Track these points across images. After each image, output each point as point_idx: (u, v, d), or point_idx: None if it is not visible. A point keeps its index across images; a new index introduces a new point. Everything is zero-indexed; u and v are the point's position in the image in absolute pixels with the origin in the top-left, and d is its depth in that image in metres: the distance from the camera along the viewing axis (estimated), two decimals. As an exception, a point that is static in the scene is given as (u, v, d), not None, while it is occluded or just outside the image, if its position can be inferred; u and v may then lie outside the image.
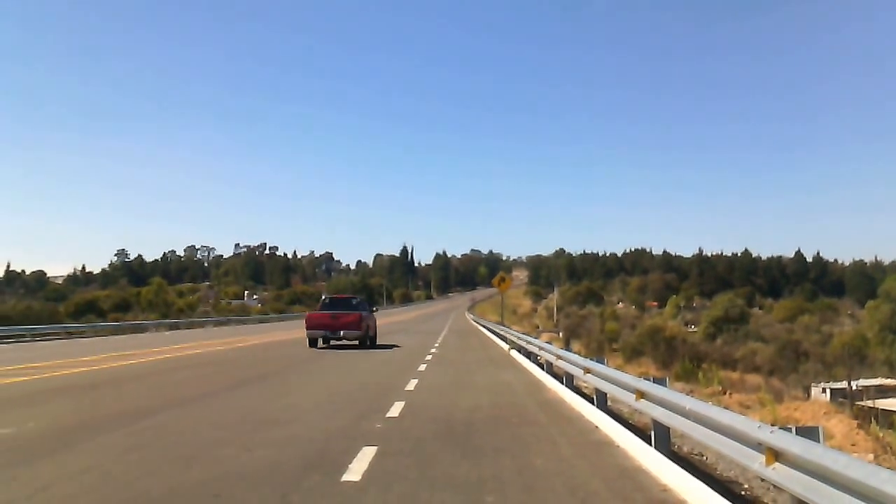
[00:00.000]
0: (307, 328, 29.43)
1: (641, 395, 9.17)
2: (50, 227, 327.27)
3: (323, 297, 31.06)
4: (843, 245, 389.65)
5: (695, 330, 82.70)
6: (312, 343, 28.77)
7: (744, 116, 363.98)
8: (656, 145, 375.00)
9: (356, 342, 29.04)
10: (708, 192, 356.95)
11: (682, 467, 7.55)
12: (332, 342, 29.21)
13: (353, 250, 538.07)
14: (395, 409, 12.33)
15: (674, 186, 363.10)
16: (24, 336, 43.33)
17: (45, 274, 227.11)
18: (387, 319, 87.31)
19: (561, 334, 76.04)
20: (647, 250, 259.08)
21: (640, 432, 9.75)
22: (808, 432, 5.38)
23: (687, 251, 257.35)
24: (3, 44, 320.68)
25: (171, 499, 6.62)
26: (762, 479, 6.86)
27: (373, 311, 31.19)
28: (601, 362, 12.77)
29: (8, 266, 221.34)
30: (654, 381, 9.14)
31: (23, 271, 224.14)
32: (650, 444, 8.57)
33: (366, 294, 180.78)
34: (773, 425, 5.81)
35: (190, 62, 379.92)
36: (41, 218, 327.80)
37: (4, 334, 42.28)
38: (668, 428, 8.35)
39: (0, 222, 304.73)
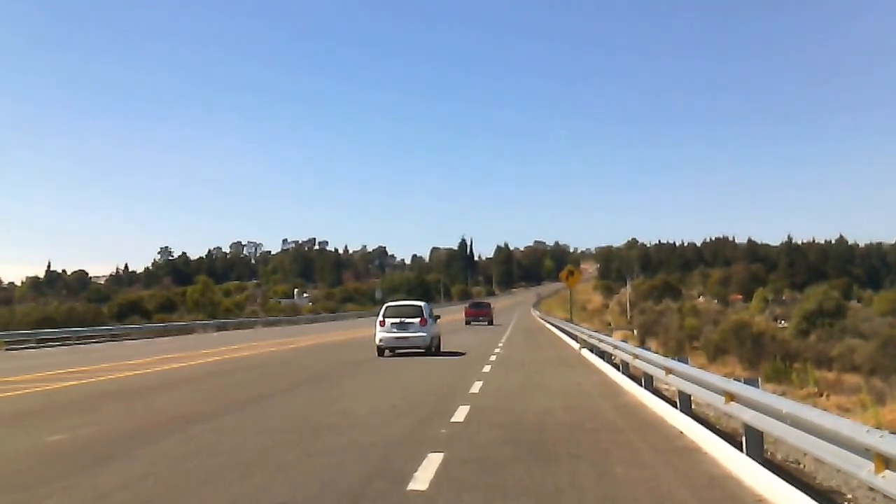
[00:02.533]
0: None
1: (731, 397, 9.07)
2: (91, 225, 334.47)
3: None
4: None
5: (785, 325, 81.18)
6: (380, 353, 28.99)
7: (839, 93, 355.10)
8: (737, 120, 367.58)
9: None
10: (797, 172, 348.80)
11: (778, 475, 7.46)
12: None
13: (408, 244, 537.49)
14: (460, 414, 12.39)
15: (759, 167, 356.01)
16: (68, 338, 44.50)
17: (87, 274, 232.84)
18: (444, 318, 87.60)
19: (635, 332, 75.38)
20: (730, 239, 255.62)
21: (730, 438, 9.65)
22: (921, 437, 5.28)
23: (774, 239, 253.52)
24: (42, 30, 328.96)
25: (233, 508, 6.77)
26: (870, 489, 6.75)
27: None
28: (684, 362, 12.65)
29: (49, 266, 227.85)
30: (744, 382, 9.04)
31: (64, 271, 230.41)
32: (741, 451, 8.48)
33: (422, 291, 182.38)
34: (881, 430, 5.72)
35: (235, 47, 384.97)
36: (81, 215, 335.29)
37: (49, 337, 43.54)
38: (762, 433, 8.25)
39: (40, 220, 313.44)
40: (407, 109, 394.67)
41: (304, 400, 15.11)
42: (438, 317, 32.42)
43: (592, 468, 8.27)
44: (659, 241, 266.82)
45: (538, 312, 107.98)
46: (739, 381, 9.37)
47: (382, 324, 29.22)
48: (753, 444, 8.43)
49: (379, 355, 28.75)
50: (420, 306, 30.83)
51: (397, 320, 29.32)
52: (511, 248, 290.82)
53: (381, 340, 29.18)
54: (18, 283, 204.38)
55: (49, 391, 16.67)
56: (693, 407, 12.28)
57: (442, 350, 29.66)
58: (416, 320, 29.33)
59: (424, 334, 29.09)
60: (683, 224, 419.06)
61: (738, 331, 55.30)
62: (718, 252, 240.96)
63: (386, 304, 31.42)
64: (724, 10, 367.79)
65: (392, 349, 29.48)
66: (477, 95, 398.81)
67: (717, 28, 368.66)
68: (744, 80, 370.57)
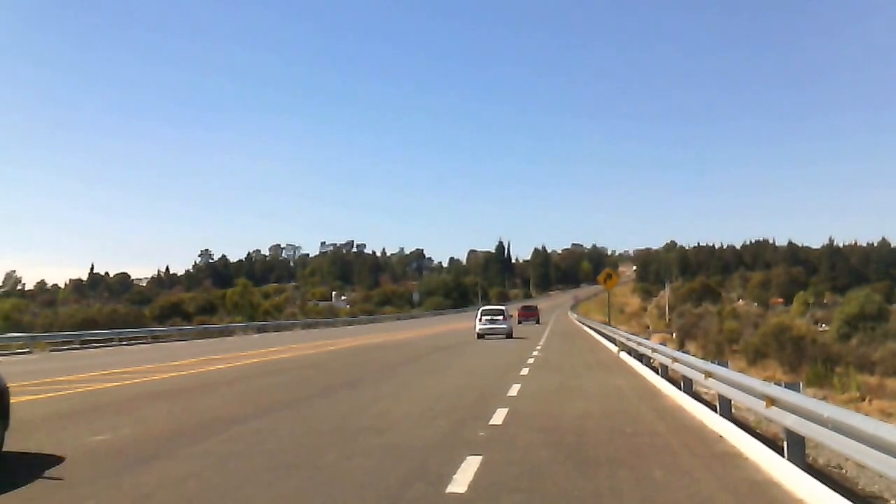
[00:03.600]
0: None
1: (772, 401, 8.97)
2: (133, 228, 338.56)
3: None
4: None
5: (826, 329, 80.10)
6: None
7: (884, 86, 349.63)
8: (777, 120, 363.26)
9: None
10: (839, 174, 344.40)
11: (820, 481, 7.37)
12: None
13: (446, 247, 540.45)
14: (499, 417, 12.38)
15: (799, 169, 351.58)
16: (111, 340, 45.13)
17: (129, 276, 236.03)
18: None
19: (674, 335, 74.71)
20: (770, 242, 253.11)
21: (771, 443, 9.56)
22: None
23: (816, 242, 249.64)
24: (84, 30, 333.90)
25: (273, 509, 6.82)
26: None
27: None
28: (724, 365, 12.54)
29: (92, 268, 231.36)
30: (785, 387, 8.94)
31: (106, 273, 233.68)
32: (782, 456, 8.39)
33: (459, 294, 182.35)
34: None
35: (275, 47, 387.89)
36: (124, 218, 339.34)
37: (92, 338, 44.19)
38: (803, 438, 8.16)
39: (83, 223, 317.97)
40: (445, 112, 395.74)
41: (343, 402, 15.19)
42: (512, 315, 51.36)
43: (631, 473, 8.23)
44: (698, 244, 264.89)
45: (575, 315, 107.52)
46: (780, 385, 9.27)
47: (480, 319, 46.58)
48: (795, 449, 8.33)
49: (478, 338, 43.86)
50: (502, 309, 49.73)
51: (489, 317, 46.84)
52: (548, 250, 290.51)
53: (479, 329, 45.71)
54: (62, 286, 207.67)
55: (93, 391, 16.91)
56: (733, 411, 12.17)
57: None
58: (500, 317, 46.85)
59: (504, 326, 46.06)
60: (723, 226, 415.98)
61: (778, 334, 54.58)
62: (758, 255, 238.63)
63: (482, 308, 51.78)
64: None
65: (486, 334, 45.23)
66: (514, 98, 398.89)
67: (753, 21, 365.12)
68: (786, 75, 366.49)
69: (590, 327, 59.74)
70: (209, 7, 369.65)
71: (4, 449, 9.23)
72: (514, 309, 73.64)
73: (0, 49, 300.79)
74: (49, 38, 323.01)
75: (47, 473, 8.18)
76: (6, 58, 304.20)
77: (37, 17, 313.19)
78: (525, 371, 21.86)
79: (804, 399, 8.20)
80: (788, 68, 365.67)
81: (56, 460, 8.92)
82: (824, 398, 18.79)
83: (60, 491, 7.42)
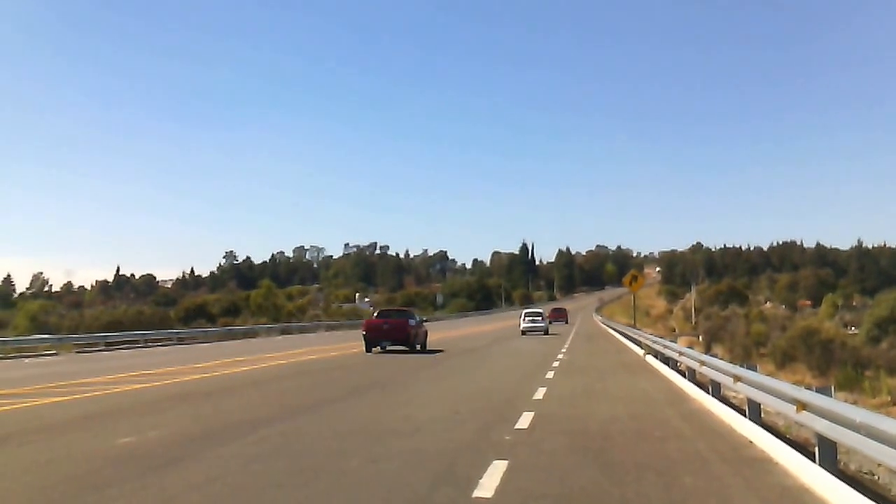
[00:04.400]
0: None
1: (803, 406, 8.87)
2: (158, 230, 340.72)
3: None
4: None
5: (855, 332, 79.34)
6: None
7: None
8: (802, 120, 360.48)
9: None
10: (867, 174, 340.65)
11: (852, 487, 7.29)
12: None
13: (469, 248, 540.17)
14: (524, 420, 12.35)
15: (826, 169, 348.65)
16: (137, 341, 45.42)
17: (155, 277, 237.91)
18: (504, 323, 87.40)
19: (701, 338, 74.34)
20: (798, 243, 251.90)
21: (801, 448, 9.45)
22: None
23: (844, 243, 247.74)
24: (114, 30, 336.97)
25: (299, 512, 6.82)
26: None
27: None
28: (753, 369, 12.44)
29: (118, 270, 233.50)
30: (817, 391, 8.85)
31: (132, 275, 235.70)
32: (814, 461, 8.30)
33: (482, 295, 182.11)
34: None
35: (297, 47, 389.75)
36: (150, 220, 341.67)
37: (118, 340, 44.52)
38: (835, 443, 8.07)
39: (109, 225, 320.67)
40: (468, 113, 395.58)
41: (368, 404, 15.21)
42: (547, 317, 67.82)
43: (660, 478, 8.17)
44: (724, 246, 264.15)
45: (600, 317, 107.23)
46: (811, 389, 9.17)
47: (524, 320, 60.05)
48: (826, 454, 8.25)
49: (522, 335, 55.15)
50: (541, 312, 65.62)
51: (531, 318, 60.09)
52: (572, 252, 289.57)
53: (523, 327, 58.55)
54: (88, 287, 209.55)
55: (119, 393, 17.01)
56: (762, 415, 12.06)
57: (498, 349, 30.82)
58: (539, 319, 60.55)
59: (542, 325, 59.56)
60: (750, 228, 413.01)
61: (806, 337, 54.11)
62: (786, 257, 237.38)
63: (525, 311, 68.46)
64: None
65: (528, 331, 57.28)
66: (538, 99, 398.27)
67: (776, 20, 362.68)
68: (813, 70, 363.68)
69: (615, 330, 59.53)
70: (234, 7, 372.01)
71: None
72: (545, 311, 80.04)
73: (34, 49, 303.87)
74: (83, 38, 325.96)
75: (76, 475, 8.24)
76: (39, 58, 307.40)
77: (71, 15, 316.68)
78: (550, 374, 21.80)
79: (836, 403, 8.11)
80: (814, 62, 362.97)
81: (85, 462, 8.98)
82: (854, 402, 18.59)
83: (89, 493, 7.46)
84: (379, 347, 33.32)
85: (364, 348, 33.06)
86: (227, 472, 8.49)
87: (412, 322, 34.28)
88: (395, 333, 33.36)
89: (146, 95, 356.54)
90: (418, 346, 34.06)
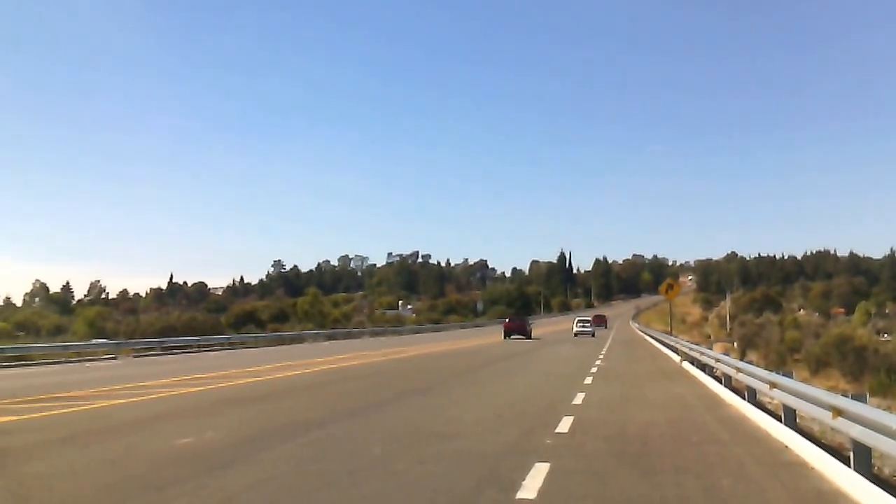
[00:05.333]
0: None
1: (838, 412, 8.81)
2: (209, 239, 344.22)
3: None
4: None
5: (888, 339, 78.04)
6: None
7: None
8: (840, 131, 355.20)
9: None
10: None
11: (887, 491, 7.23)
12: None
13: (509, 257, 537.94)
14: (565, 425, 12.35)
15: (860, 178, 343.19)
16: (190, 346, 45.97)
17: (206, 285, 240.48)
18: (545, 329, 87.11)
19: (735, 344, 73.60)
20: (831, 252, 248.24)
21: (836, 453, 9.37)
22: None
23: (877, 252, 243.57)
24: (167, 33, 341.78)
25: (351, 511, 6.91)
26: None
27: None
28: (789, 376, 12.34)
29: (171, 278, 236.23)
30: (852, 398, 8.78)
31: (184, 283, 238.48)
32: (849, 466, 8.24)
33: (522, 303, 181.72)
34: None
35: (349, 63, 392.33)
36: (201, 230, 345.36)
37: (172, 345, 45.08)
38: (870, 448, 8.01)
39: (163, 235, 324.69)
40: (508, 123, 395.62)
41: (414, 408, 15.29)
42: (593, 323, 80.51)
43: (698, 481, 8.15)
44: (759, 255, 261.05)
45: (637, 325, 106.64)
46: (847, 396, 9.10)
47: (575, 324, 75.64)
48: (861, 459, 8.18)
49: (574, 336, 66.68)
50: (589, 319, 79.55)
51: (581, 323, 74.86)
52: (609, 261, 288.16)
53: (575, 331, 72.44)
54: (143, 294, 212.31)
55: (176, 396, 17.27)
56: (797, 421, 11.96)
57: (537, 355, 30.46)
58: (588, 324, 75.26)
59: (591, 329, 73.50)
60: (784, 237, 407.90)
61: (840, 344, 53.34)
62: (819, 265, 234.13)
63: (577, 318, 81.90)
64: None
65: (579, 334, 69.82)
66: (576, 109, 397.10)
67: (802, 29, 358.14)
68: (845, 78, 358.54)
69: (651, 336, 59.18)
70: (280, 19, 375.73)
71: None
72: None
73: (87, 56, 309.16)
74: (140, 45, 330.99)
75: (138, 474, 8.43)
76: (103, 77, 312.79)
77: (126, 22, 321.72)
78: (589, 380, 21.74)
79: (871, 410, 8.05)
80: (847, 68, 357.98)
81: (147, 462, 9.17)
82: (888, 408, 18.34)
83: (150, 492, 7.62)
84: (511, 337, 60.71)
85: (502, 336, 61.28)
86: (282, 472, 8.61)
87: (527, 323, 66.84)
88: (519, 329, 62.92)
89: (200, 108, 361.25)
90: (531, 336, 63.17)
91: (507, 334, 61.21)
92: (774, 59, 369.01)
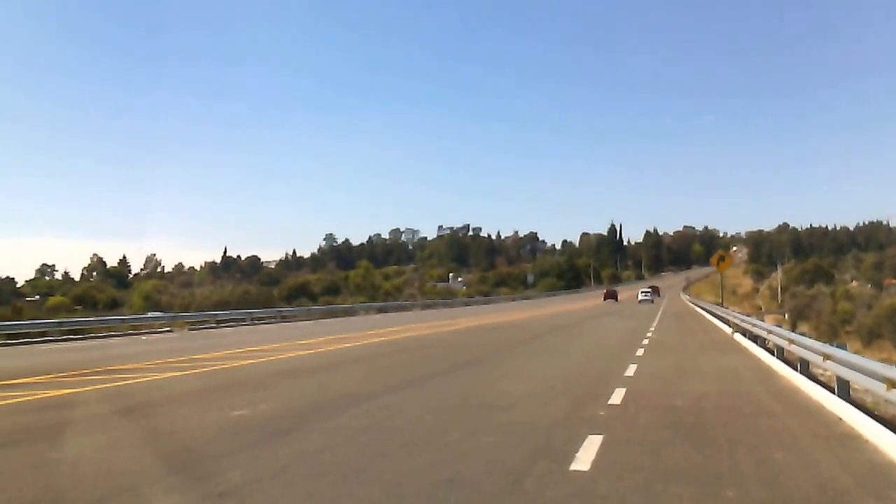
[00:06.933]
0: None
1: (893, 384, 8.65)
2: (263, 213, 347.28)
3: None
4: None
5: (944, 310, 76.27)
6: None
7: None
8: (886, 99, 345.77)
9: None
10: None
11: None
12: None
13: (559, 230, 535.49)
14: (617, 396, 12.29)
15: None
16: (243, 319, 46.66)
17: (259, 259, 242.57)
18: (595, 301, 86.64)
19: (787, 316, 72.53)
20: (884, 223, 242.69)
21: (891, 425, 9.20)
22: None
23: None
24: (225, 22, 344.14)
25: (406, 482, 6.96)
26: None
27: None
28: (843, 348, 12.12)
29: (225, 252, 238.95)
30: (908, 370, 8.61)
31: (238, 256, 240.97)
32: (904, 438, 8.09)
33: (572, 275, 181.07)
34: None
35: (405, 38, 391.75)
36: (255, 205, 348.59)
37: (227, 318, 45.77)
38: (927, 421, 7.85)
39: (217, 209, 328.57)
40: (558, 97, 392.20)
41: (466, 380, 15.35)
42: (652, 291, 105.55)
43: (751, 453, 8.06)
44: (811, 226, 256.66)
45: (687, 296, 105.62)
46: (902, 368, 8.92)
47: (640, 293, 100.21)
48: (918, 432, 8.03)
49: (639, 303, 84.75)
50: (650, 289, 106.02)
51: (644, 293, 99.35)
52: (660, 232, 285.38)
53: (640, 298, 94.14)
54: (198, 268, 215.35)
55: (231, 368, 17.55)
56: (851, 393, 11.77)
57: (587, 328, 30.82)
58: (650, 292, 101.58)
59: (651, 297, 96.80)
60: (835, 208, 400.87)
61: (892, 315, 52.33)
62: (872, 236, 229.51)
63: (641, 289, 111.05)
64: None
65: (643, 301, 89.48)
66: (624, 80, 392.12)
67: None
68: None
69: (702, 308, 58.51)
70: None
71: None
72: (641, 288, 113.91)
73: (143, 41, 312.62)
74: (186, 31, 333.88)
75: (196, 445, 8.60)
76: (151, 46, 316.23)
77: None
78: (640, 352, 21.58)
79: (929, 382, 7.88)
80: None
81: (203, 433, 9.34)
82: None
83: (206, 463, 7.77)
84: (610, 300, 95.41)
85: (601, 299, 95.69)
86: (335, 443, 8.71)
87: (618, 291, 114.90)
88: (612, 295, 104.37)
89: (251, 87, 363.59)
90: (619, 299, 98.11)
91: (606, 298, 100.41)
92: (812, 21, 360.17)
